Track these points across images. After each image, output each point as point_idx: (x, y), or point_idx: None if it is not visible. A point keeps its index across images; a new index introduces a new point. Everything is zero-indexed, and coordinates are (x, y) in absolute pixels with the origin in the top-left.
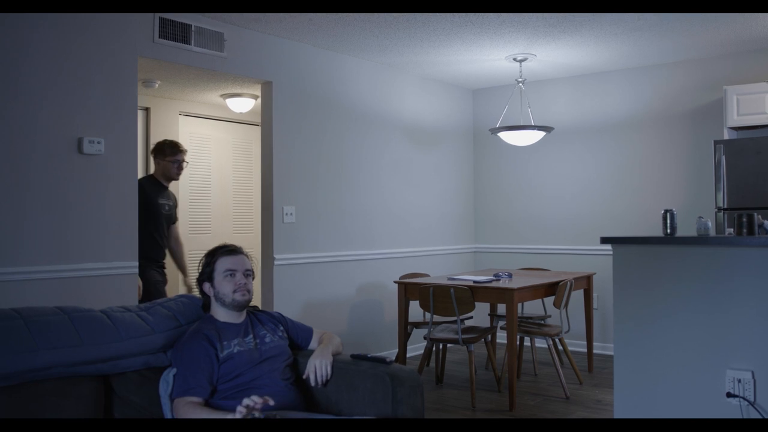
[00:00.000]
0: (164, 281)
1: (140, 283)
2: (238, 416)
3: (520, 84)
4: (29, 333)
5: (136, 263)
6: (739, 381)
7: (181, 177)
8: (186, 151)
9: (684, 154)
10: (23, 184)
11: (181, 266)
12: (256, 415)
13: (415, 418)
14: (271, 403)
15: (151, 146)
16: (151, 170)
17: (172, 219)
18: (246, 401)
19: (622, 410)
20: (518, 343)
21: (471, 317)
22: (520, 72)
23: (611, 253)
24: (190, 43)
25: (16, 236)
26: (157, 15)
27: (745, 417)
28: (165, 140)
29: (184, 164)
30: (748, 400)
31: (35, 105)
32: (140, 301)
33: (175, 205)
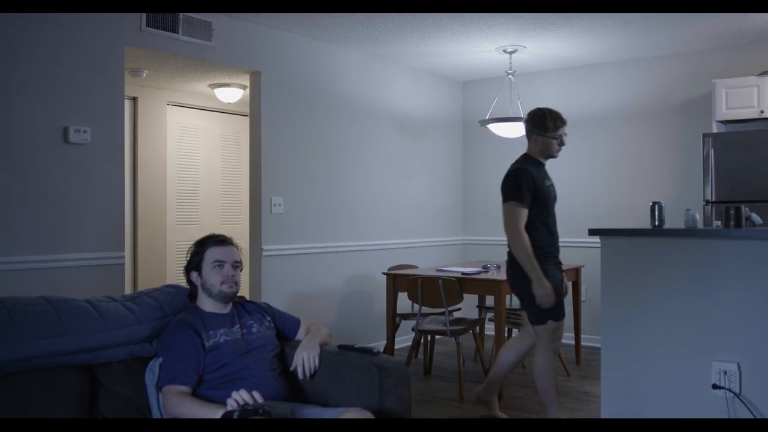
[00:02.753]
0: (563, 278)
1: (547, 284)
2: (229, 408)
3: (510, 76)
4: (13, 323)
5: (123, 253)
6: (725, 373)
7: (172, 167)
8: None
9: (673, 147)
10: (7, 173)
11: None
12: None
13: (402, 410)
14: (260, 400)
15: (528, 117)
16: (143, 162)
17: (556, 200)
18: (235, 395)
19: (609, 402)
20: (506, 334)
21: (459, 309)
22: (510, 64)
23: (599, 245)
24: (177, 32)
25: (0, 226)
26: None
27: (730, 408)
28: (544, 110)
29: (565, 138)
30: (733, 392)
31: (20, 94)
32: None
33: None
